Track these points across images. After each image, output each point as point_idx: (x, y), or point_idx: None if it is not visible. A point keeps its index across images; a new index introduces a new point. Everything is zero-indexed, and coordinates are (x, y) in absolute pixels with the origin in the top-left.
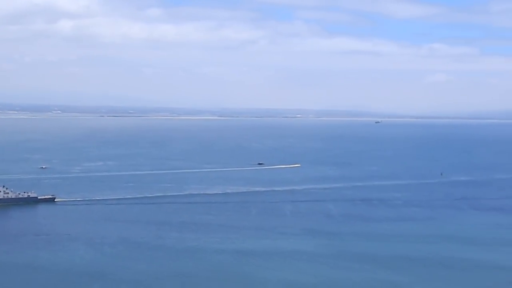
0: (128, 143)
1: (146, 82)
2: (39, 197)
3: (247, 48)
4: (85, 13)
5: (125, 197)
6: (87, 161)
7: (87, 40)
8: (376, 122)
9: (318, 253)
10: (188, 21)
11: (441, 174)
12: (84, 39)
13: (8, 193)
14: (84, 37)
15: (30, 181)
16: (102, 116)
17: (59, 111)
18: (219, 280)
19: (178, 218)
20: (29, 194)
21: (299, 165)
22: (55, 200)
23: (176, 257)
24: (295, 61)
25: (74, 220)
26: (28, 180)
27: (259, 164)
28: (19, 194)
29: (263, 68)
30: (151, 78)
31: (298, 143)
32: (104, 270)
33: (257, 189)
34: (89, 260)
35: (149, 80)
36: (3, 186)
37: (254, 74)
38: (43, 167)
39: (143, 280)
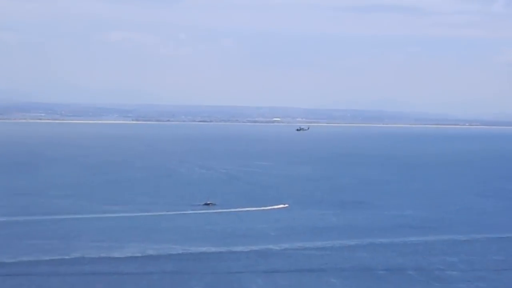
0: None
1: (6, 58)
2: None
3: None
4: None
5: None
6: None
7: None
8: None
9: None
10: None
11: None
12: None
13: None
14: None
15: None
16: None
17: None
18: None
19: None
20: None
21: (286, 205)
22: None
23: None
24: (271, 23)
25: None
26: None
27: (207, 204)
28: None
29: (216, 36)
30: (15, 51)
31: (277, 167)
32: None
33: (203, 249)
34: None
35: (11, 54)
36: None
37: (201, 46)
38: None
39: None
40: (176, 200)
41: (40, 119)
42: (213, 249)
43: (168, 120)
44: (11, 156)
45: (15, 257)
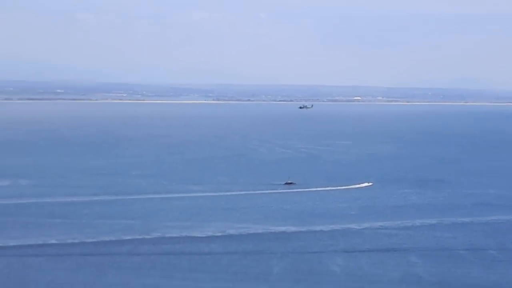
0: (53, 146)
1: (87, 40)
2: None
3: None
4: None
5: (47, 242)
6: None
7: None
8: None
9: None
10: None
11: None
12: None
13: None
14: None
15: None
16: (9, 100)
17: None
18: None
19: (141, 284)
20: None
21: (370, 184)
22: None
23: None
24: (351, 3)
25: None
26: None
27: (288, 184)
28: None
29: (296, 16)
30: (94, 32)
31: (357, 145)
32: None
33: (283, 228)
34: None
35: (92, 35)
36: None
37: (281, 26)
38: None
39: None
40: (257, 179)
41: (121, 99)
42: (293, 229)
43: (249, 100)
44: (92, 136)
45: (97, 236)
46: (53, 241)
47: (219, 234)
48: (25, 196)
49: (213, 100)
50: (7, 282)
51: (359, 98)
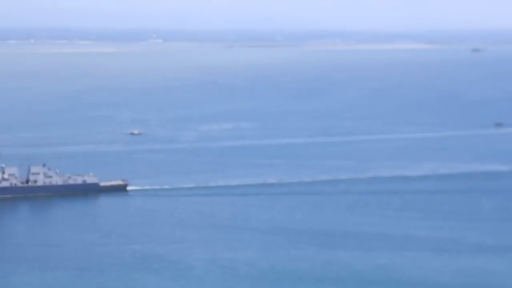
0: (271, 91)
1: None
2: (101, 184)
3: None
4: None
5: (267, 182)
6: (206, 122)
7: None
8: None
9: None
10: None
11: None
12: None
13: (51, 176)
14: None
15: (113, 155)
16: (230, 47)
17: (160, 40)
18: None
19: (355, 222)
20: (85, 178)
21: None
22: (128, 188)
23: None
24: None
25: (168, 228)
26: (109, 155)
27: (497, 125)
28: (70, 178)
29: None
30: None
31: None
32: None
33: (493, 168)
34: None
35: None
36: (44, 166)
37: None
38: (134, 132)
39: None
40: (467, 120)
41: (335, 45)
42: (503, 168)
43: (459, 44)
44: (308, 81)
45: (313, 176)
46: (272, 181)
47: (431, 173)
48: (246, 138)
49: (424, 44)
50: (231, 219)
51: None
